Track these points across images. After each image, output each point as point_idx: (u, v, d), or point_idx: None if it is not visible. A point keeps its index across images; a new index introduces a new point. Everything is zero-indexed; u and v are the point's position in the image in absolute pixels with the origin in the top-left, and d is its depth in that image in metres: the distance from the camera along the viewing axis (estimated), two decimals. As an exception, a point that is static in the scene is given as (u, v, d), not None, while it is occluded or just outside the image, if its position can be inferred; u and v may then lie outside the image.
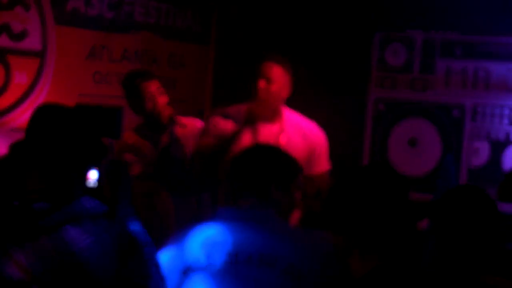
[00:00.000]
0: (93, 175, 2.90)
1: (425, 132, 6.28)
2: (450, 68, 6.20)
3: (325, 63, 6.50)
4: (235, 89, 6.48)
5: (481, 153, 6.15)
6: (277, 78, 4.60)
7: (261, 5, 6.71)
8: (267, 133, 4.63)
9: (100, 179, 2.94)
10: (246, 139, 4.59)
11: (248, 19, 6.76)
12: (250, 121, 4.63)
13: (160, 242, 3.06)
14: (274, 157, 3.25)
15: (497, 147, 6.11)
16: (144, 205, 4.57)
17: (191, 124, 4.96)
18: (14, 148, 2.69)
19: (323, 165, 4.77)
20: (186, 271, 3.01)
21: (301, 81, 4.89)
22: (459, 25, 6.16)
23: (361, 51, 6.43)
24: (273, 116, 4.68)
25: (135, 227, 2.69)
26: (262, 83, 4.55)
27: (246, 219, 3.08)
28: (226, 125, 4.59)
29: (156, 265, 2.71)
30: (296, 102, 4.91)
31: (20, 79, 5.17)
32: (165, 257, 3.01)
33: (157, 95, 4.79)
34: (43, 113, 2.69)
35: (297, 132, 4.70)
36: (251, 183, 3.16)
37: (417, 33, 6.28)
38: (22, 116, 5.11)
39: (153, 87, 4.80)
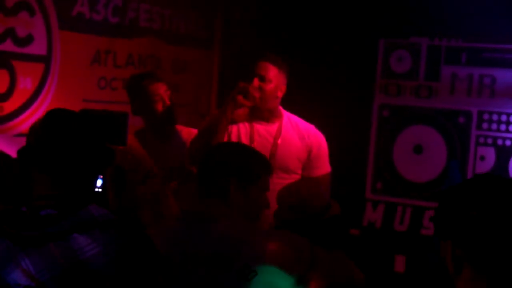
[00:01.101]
0: (98, 182, 2.92)
1: (430, 139, 6.29)
2: (456, 75, 6.22)
3: (330, 69, 6.51)
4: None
5: (487, 159, 6.16)
6: (272, 77, 4.62)
7: (265, 10, 6.73)
8: (264, 132, 4.65)
9: (104, 185, 2.95)
10: (243, 138, 4.61)
11: (251, 24, 6.78)
12: (242, 119, 4.64)
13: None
14: (237, 156, 3.26)
15: (503, 154, 6.13)
16: (149, 211, 4.58)
17: (190, 132, 4.96)
18: (22, 153, 2.70)
19: (323, 167, 4.78)
20: None
21: (305, 87, 4.92)
22: (464, 31, 6.18)
23: (366, 57, 6.45)
24: (271, 116, 4.70)
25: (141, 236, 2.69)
26: (255, 81, 4.57)
27: (203, 220, 3.10)
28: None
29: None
30: (300, 107, 4.94)
31: (25, 84, 5.18)
32: None
33: (166, 98, 4.79)
34: (52, 119, 2.70)
35: (296, 133, 4.72)
36: (211, 183, 3.16)
37: (422, 40, 6.29)
38: (27, 121, 5.12)
39: (161, 89, 4.81)
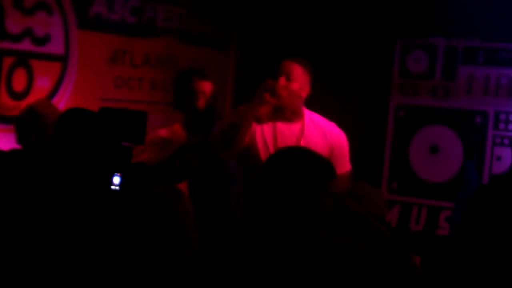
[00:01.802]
0: (115, 180, 2.96)
1: (446, 139, 6.29)
2: (472, 75, 6.22)
3: (347, 69, 6.53)
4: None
5: (504, 160, 6.16)
6: (297, 77, 4.64)
7: (282, 11, 6.75)
8: (287, 132, 4.66)
9: (123, 183, 2.98)
10: (267, 138, 4.62)
11: (269, 25, 6.80)
12: (265, 118, 4.66)
13: (179, 249, 3.07)
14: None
15: (520, 154, 6.14)
16: (164, 211, 4.60)
17: None
18: (39, 149, 2.74)
19: (344, 165, 4.78)
20: None
21: (322, 87, 4.92)
22: (481, 31, 6.18)
23: (383, 57, 6.46)
24: (293, 115, 4.71)
25: None
26: (282, 80, 4.59)
27: None
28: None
29: None
30: (317, 107, 4.95)
31: (42, 83, 5.24)
32: None
33: (210, 96, 4.86)
34: (70, 117, 2.74)
35: (318, 132, 4.73)
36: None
37: (439, 40, 6.30)
38: (45, 120, 5.17)
39: (207, 86, 4.87)
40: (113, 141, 2.79)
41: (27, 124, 4.40)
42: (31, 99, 5.14)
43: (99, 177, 2.76)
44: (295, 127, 4.70)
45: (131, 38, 5.85)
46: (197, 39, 6.48)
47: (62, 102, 5.31)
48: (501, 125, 6.16)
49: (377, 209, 3.75)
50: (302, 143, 4.65)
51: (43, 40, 5.23)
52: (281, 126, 4.68)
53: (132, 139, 3.12)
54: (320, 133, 4.74)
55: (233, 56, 6.86)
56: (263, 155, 4.51)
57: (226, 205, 4.85)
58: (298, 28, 6.69)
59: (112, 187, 2.95)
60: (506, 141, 6.16)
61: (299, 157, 2.99)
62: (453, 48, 6.26)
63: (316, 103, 4.94)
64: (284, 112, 4.67)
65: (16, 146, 4.43)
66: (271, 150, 4.52)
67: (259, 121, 4.67)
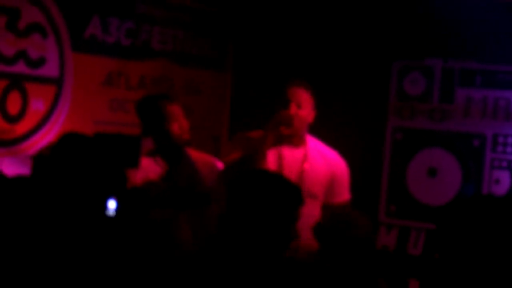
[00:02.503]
0: (111, 205, 2.94)
1: (444, 161, 6.28)
2: (470, 97, 6.22)
3: (343, 92, 6.52)
4: (253, 115, 6.52)
5: (502, 183, 6.15)
6: (305, 104, 4.65)
7: (279, 31, 6.76)
8: (291, 157, 4.66)
9: (118, 209, 2.97)
10: (271, 162, 4.61)
11: (265, 45, 6.81)
12: (276, 143, 4.65)
13: (176, 271, 3.07)
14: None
15: (518, 177, 6.13)
16: (161, 234, 4.58)
17: (202, 159, 4.94)
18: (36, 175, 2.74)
19: (343, 194, 4.80)
20: None
21: (318, 109, 4.93)
22: (479, 53, 6.18)
23: (379, 80, 6.46)
24: (298, 141, 4.71)
25: None
26: (293, 109, 4.59)
27: None
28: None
29: None
30: (313, 130, 4.96)
31: (37, 106, 5.23)
32: None
33: (182, 119, 4.78)
34: (66, 142, 2.74)
35: (320, 159, 4.74)
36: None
37: (436, 62, 6.30)
38: (39, 143, 5.17)
39: (178, 110, 4.80)
40: (108, 166, 2.78)
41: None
42: (26, 122, 5.15)
43: (94, 202, 2.75)
44: (299, 152, 4.71)
45: (126, 60, 5.86)
46: (193, 60, 6.48)
47: (57, 125, 5.31)
48: (499, 148, 6.16)
49: (362, 232, 3.76)
50: (306, 167, 4.65)
51: (38, 63, 5.23)
52: (286, 151, 4.68)
53: (126, 164, 3.12)
54: (322, 159, 4.74)
55: (229, 77, 6.86)
56: None
57: (203, 226, 4.80)
58: (294, 49, 6.69)
59: (107, 213, 2.94)
60: (504, 164, 6.15)
61: (269, 183, 3.12)
62: (450, 70, 6.26)
63: (311, 125, 4.95)
64: (290, 138, 4.67)
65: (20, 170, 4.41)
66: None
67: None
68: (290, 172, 4.56)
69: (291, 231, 3.11)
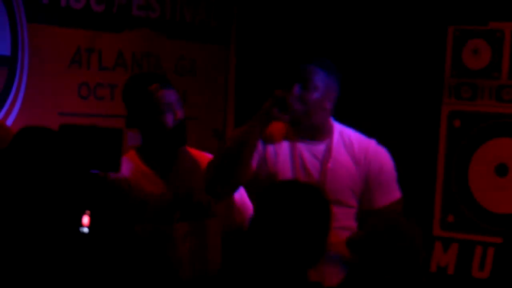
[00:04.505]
0: (85, 220, 2.93)
1: (517, 156, 6.28)
2: (550, 72, 6.24)
3: (381, 67, 6.53)
4: (264, 101, 6.50)
5: None
6: (318, 84, 4.61)
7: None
8: (308, 155, 4.64)
9: (93, 224, 2.97)
10: (280, 163, 4.59)
11: (279, 10, 6.80)
12: (279, 137, 4.64)
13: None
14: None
15: None
16: (151, 252, 4.59)
17: (203, 159, 4.95)
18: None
19: (389, 193, 4.75)
20: None
21: (349, 93, 4.90)
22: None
23: (430, 50, 6.46)
24: (317, 133, 4.68)
25: None
26: (295, 89, 4.56)
27: None
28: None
29: None
30: (345, 117, 4.92)
31: (-17, 94, 5.25)
32: None
33: (177, 109, 4.77)
34: (24, 140, 2.72)
35: (349, 154, 4.70)
36: None
37: (505, 26, 6.29)
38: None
39: (173, 97, 4.78)
40: (79, 169, 2.76)
41: None
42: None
43: (64, 216, 2.74)
44: (320, 147, 4.67)
45: (99, 32, 5.86)
46: (186, 31, 6.48)
47: (10, 118, 5.31)
48: None
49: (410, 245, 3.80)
50: (329, 167, 4.62)
51: (-20, 39, 5.26)
52: (301, 146, 4.66)
53: (104, 166, 3.09)
54: (352, 155, 4.71)
55: (233, 52, 6.86)
56: None
57: (202, 243, 4.82)
58: (317, 15, 6.69)
59: (81, 228, 2.94)
60: None
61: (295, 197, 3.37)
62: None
63: (343, 112, 4.91)
64: (304, 129, 4.64)
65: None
66: (288, 177, 4.50)
67: (271, 141, 4.64)
68: (306, 174, 4.55)
69: (323, 246, 3.38)
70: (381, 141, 4.90)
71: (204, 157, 4.95)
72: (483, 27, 6.36)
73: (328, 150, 4.69)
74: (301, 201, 3.34)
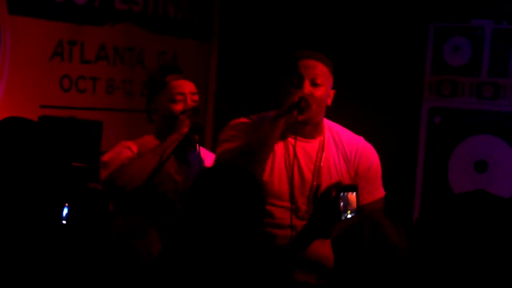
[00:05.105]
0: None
1: (496, 152, 6.29)
2: (530, 69, 6.24)
3: (362, 64, 6.53)
4: (244, 97, 6.49)
5: None
6: (324, 80, 4.59)
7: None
8: (303, 152, 4.62)
9: (71, 215, 2.96)
10: (277, 159, 4.57)
11: (261, 7, 6.79)
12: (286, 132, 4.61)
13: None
14: None
15: None
16: (124, 246, 4.60)
17: (209, 157, 4.98)
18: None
19: (375, 191, 4.75)
20: None
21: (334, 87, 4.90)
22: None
23: (411, 47, 6.47)
24: (314, 130, 4.66)
25: None
26: (307, 87, 4.54)
27: None
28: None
29: None
30: (328, 114, 4.92)
31: (-38, 86, 5.23)
32: None
33: (190, 101, 4.83)
34: (3, 129, 2.71)
35: (339, 151, 4.69)
36: None
37: (486, 23, 6.29)
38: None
39: (187, 87, 4.86)
40: (58, 162, 2.74)
41: None
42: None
43: (44, 209, 2.73)
44: (314, 144, 4.66)
45: (81, 26, 5.85)
46: (169, 25, 6.48)
47: (-11, 111, 5.28)
48: None
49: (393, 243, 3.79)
50: (322, 165, 4.62)
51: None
52: (296, 145, 4.63)
53: (83, 158, 3.08)
54: (342, 152, 4.70)
55: (215, 47, 6.85)
56: (276, 182, 4.51)
57: None
58: (298, 11, 6.68)
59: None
60: None
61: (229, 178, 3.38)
62: (504, 34, 6.26)
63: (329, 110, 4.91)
64: (304, 126, 4.62)
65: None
66: (285, 175, 4.52)
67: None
68: (302, 172, 4.55)
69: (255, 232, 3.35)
70: (362, 137, 4.92)
71: (209, 155, 5.00)
72: (464, 25, 6.37)
73: (321, 148, 4.68)
74: (232, 184, 3.32)
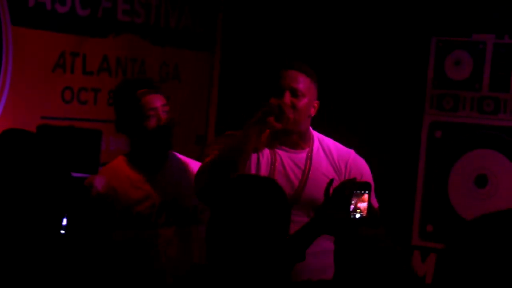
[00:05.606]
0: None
1: (497, 167, 6.29)
2: (531, 84, 6.24)
3: (364, 77, 6.52)
4: (247, 108, 6.49)
5: None
6: (305, 90, 4.60)
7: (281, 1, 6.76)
8: (290, 162, 4.63)
9: (69, 226, 2.96)
10: (263, 169, 4.58)
11: (264, 17, 6.79)
12: (263, 145, 4.63)
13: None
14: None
15: None
16: (133, 259, 4.59)
17: (189, 165, 4.96)
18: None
19: (367, 202, 4.75)
20: None
21: (329, 101, 4.90)
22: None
23: (413, 61, 6.47)
24: (300, 141, 4.67)
25: None
26: (287, 97, 4.55)
27: None
28: None
29: None
30: (326, 128, 4.92)
31: (-35, 96, 5.23)
32: None
33: (162, 114, 4.79)
34: (3, 141, 2.71)
35: (329, 163, 4.70)
36: None
37: (488, 38, 6.29)
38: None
39: (158, 101, 4.80)
40: (58, 171, 2.75)
41: None
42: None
43: (44, 219, 2.73)
44: (301, 155, 4.67)
45: (84, 37, 5.85)
46: (171, 37, 6.49)
47: (-9, 123, 5.28)
48: None
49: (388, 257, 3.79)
50: (310, 175, 4.62)
51: (-36, 41, 5.24)
52: (283, 154, 4.65)
53: (82, 167, 3.07)
54: (332, 164, 4.70)
55: (217, 58, 6.86)
56: None
57: (187, 249, 4.84)
58: (301, 23, 6.69)
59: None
60: None
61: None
62: (505, 49, 6.27)
63: (324, 123, 4.91)
64: (289, 137, 4.63)
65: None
66: None
67: (254, 149, 4.64)
68: (287, 181, 4.54)
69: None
70: (363, 150, 4.91)
71: (192, 163, 4.96)
72: (466, 39, 6.37)
73: (309, 159, 4.68)
74: (257, 193, 3.35)
